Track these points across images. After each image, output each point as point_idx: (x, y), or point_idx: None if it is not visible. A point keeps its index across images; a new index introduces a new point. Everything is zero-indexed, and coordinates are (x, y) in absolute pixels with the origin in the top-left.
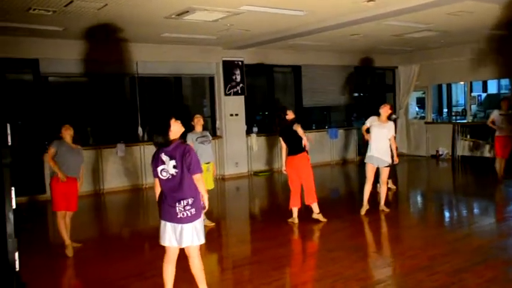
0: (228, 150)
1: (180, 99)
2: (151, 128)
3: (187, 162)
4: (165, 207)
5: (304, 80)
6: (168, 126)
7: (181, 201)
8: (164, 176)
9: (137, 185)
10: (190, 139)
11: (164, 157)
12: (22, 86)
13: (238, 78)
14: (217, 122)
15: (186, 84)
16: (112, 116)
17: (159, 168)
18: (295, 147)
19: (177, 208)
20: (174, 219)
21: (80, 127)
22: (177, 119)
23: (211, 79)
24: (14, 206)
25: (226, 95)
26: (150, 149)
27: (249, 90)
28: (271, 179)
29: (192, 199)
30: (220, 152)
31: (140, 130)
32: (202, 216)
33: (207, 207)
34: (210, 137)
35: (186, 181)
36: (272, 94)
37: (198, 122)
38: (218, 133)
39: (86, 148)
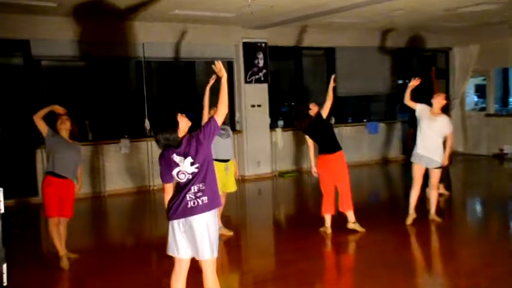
0: (249, 147)
1: (193, 87)
2: (156, 126)
3: (205, 134)
4: (176, 205)
5: (339, 64)
6: (176, 123)
7: (193, 187)
8: (182, 178)
9: (144, 186)
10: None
11: (177, 158)
12: (10, 72)
13: (261, 63)
14: (237, 115)
15: (200, 70)
16: (114, 106)
17: (175, 172)
18: (329, 144)
19: (188, 196)
20: (184, 212)
21: (78, 119)
22: (182, 112)
23: (230, 64)
24: (1, 210)
25: (247, 82)
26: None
27: (273, 77)
28: (299, 181)
29: (203, 184)
30: (239, 149)
31: (147, 123)
32: (219, 221)
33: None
34: (231, 132)
35: (210, 174)
36: (300, 82)
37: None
38: (237, 127)
39: (84, 144)
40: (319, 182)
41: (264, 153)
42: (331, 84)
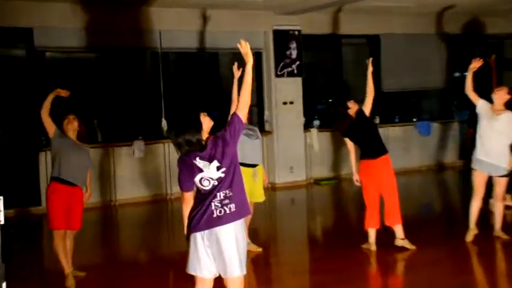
0: (280, 150)
1: (217, 81)
2: (176, 127)
3: (231, 132)
4: (199, 215)
5: (385, 55)
6: (199, 124)
7: (218, 194)
8: (207, 185)
9: (160, 195)
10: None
11: (201, 163)
12: (11, 64)
13: (294, 53)
14: (266, 113)
15: (225, 62)
16: (127, 104)
17: (198, 178)
18: (373, 146)
19: (213, 204)
20: (209, 223)
21: (86, 118)
22: (203, 110)
23: (258, 55)
24: (1, 221)
25: (278, 76)
26: None
27: (308, 70)
28: (339, 189)
29: (230, 190)
30: (269, 152)
31: (164, 123)
32: (246, 236)
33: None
34: (259, 133)
35: (237, 178)
36: (340, 75)
37: None
38: (267, 127)
39: (92, 146)
40: (362, 190)
41: (297, 158)
42: (369, 70)
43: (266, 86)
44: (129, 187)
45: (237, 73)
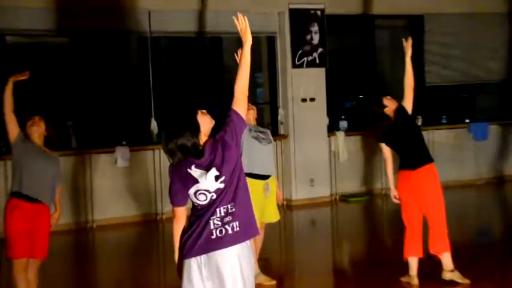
0: (298, 158)
1: (219, 72)
2: (168, 129)
3: (231, 131)
4: (195, 235)
5: (429, 39)
6: (196, 125)
7: (218, 210)
8: (203, 199)
9: (148, 214)
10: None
11: (196, 171)
12: None
13: (316, 38)
14: (280, 112)
15: (229, 49)
16: (108, 101)
17: (192, 191)
18: (416, 154)
19: (212, 222)
20: (207, 245)
21: (56, 119)
22: (202, 108)
23: (271, 40)
24: None
25: (295, 66)
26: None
27: (333, 59)
28: (371, 207)
29: (232, 204)
30: (284, 161)
31: (154, 124)
32: (255, 265)
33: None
34: (271, 137)
35: (241, 189)
36: (373, 65)
37: (249, 113)
38: (281, 130)
39: (64, 153)
40: (401, 209)
41: (319, 168)
42: (408, 54)
43: (281, 78)
44: (110, 205)
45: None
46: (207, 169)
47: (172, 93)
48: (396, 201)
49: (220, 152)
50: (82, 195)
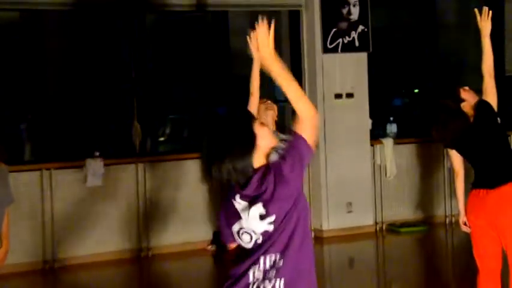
0: (331, 175)
1: (225, 59)
2: (213, 144)
3: (293, 161)
4: (228, 285)
5: (509, 10)
6: (253, 140)
7: (262, 259)
8: (246, 241)
9: (130, 250)
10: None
11: (240, 204)
12: None
13: (355, 12)
14: None
15: (238, 28)
16: (76, 97)
17: (235, 229)
18: (498, 167)
19: (251, 274)
20: None
21: (6, 121)
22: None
23: (295, 15)
24: None
25: (327, 51)
26: (158, 170)
27: (379, 41)
28: (429, 240)
29: (282, 255)
30: (312, 179)
31: (137, 128)
32: None
33: None
34: None
35: (298, 238)
36: (434, 48)
37: (268, 114)
38: None
39: (15, 168)
40: (472, 242)
41: (359, 188)
42: (485, 28)
43: (307, 67)
44: (78, 238)
45: (257, 53)
46: (252, 203)
47: (162, 88)
48: (466, 229)
49: (271, 185)
50: (39, 225)
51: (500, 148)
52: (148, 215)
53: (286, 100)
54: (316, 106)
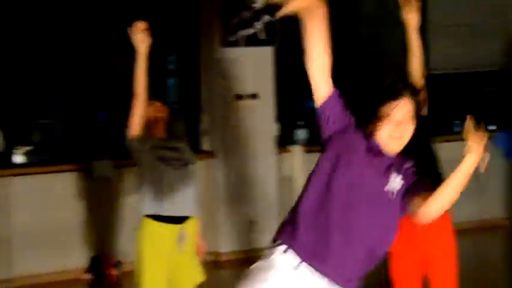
0: (231, 189)
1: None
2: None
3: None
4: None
5: (433, 3)
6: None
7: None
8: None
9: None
10: (140, 149)
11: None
12: None
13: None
14: (204, 118)
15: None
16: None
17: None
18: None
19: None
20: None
21: None
22: None
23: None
24: None
25: (226, 44)
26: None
27: (287, 34)
28: None
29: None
30: (210, 193)
31: None
32: None
33: None
34: (190, 155)
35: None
36: (354, 41)
37: (156, 118)
38: (205, 145)
39: None
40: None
41: (264, 203)
42: (412, 20)
43: (203, 64)
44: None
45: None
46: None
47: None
48: None
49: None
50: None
51: (426, 159)
52: (11, 240)
53: (177, 101)
54: (214, 109)
